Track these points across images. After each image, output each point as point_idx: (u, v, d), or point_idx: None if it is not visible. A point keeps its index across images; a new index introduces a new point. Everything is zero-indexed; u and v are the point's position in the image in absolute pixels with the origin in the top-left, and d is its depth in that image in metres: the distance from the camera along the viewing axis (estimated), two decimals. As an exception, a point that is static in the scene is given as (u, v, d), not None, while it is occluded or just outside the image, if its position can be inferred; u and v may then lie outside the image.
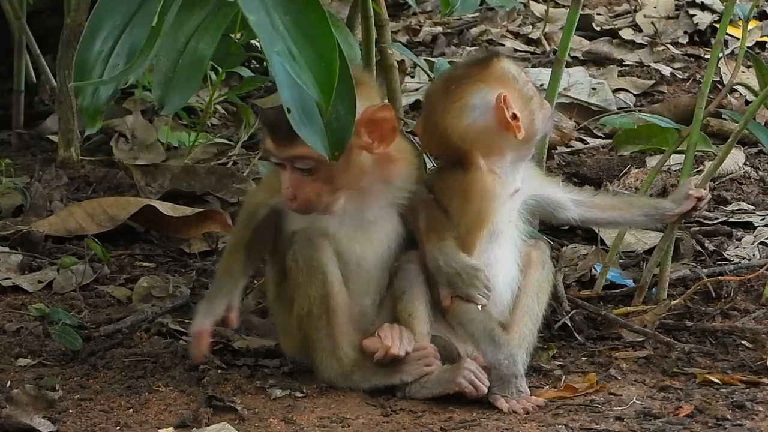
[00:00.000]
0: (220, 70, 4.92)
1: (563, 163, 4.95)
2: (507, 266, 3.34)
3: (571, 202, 3.49)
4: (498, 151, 3.31)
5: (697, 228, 4.28)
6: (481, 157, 3.30)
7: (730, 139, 3.71)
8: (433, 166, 3.87)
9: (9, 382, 3.29)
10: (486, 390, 3.19)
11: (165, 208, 4.36)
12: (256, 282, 3.89)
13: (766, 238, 4.17)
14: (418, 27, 6.88)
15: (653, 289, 3.77)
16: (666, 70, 6.02)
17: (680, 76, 5.98)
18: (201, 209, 4.42)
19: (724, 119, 5.09)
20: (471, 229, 3.28)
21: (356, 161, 3.26)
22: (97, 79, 3.12)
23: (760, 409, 3.12)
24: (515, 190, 3.35)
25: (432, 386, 3.23)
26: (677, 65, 6.14)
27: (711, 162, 3.70)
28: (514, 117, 3.27)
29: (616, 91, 5.72)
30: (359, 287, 3.34)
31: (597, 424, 3.05)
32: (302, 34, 2.94)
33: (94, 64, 3.15)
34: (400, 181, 3.33)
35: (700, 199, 3.51)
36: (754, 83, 3.75)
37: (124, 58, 3.12)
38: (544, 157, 3.85)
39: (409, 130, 4.16)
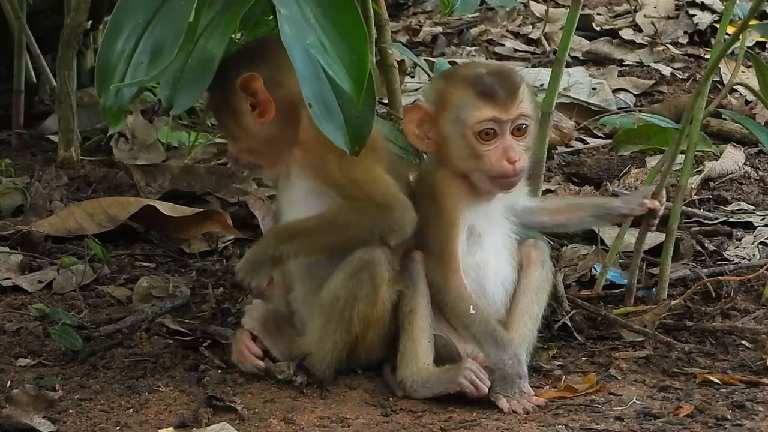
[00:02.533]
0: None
1: (563, 163, 4.95)
2: (496, 267, 3.34)
3: (521, 210, 3.48)
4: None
5: (697, 228, 4.28)
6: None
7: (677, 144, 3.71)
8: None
9: (9, 382, 3.28)
10: (487, 390, 3.19)
11: (165, 208, 4.35)
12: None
13: (766, 238, 4.17)
14: (418, 27, 6.88)
15: (653, 289, 3.77)
16: (666, 70, 6.02)
17: (680, 76, 5.98)
18: (201, 209, 4.42)
19: (724, 119, 5.09)
20: (445, 229, 3.28)
21: (249, 127, 3.32)
22: (133, 81, 3.12)
23: (760, 409, 3.12)
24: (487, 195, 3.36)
25: (433, 386, 3.23)
26: (677, 65, 6.14)
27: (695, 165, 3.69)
28: (425, 134, 3.30)
29: (616, 91, 5.73)
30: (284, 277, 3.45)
31: (597, 424, 3.05)
32: (334, 26, 2.96)
33: (117, 62, 3.15)
34: (309, 170, 3.29)
35: (653, 209, 3.53)
36: (754, 83, 3.75)
37: (147, 56, 3.12)
38: (544, 157, 3.85)
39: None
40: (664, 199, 3.58)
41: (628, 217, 3.56)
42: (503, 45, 6.55)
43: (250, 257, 3.31)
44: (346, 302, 3.23)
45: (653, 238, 3.81)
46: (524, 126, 3.27)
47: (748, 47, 4.06)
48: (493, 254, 3.34)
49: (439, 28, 6.84)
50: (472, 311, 3.24)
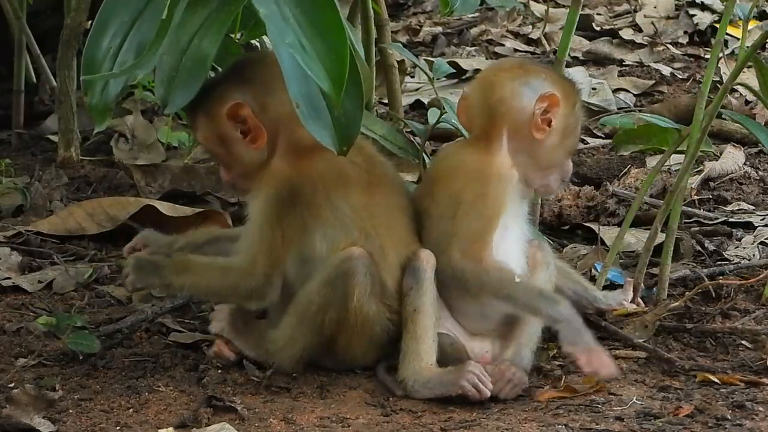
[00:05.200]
0: (220, 69, 4.91)
1: (563, 163, 4.95)
2: (517, 258, 3.35)
3: None
4: (522, 140, 3.30)
5: (697, 228, 4.28)
6: (506, 137, 3.31)
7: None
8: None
9: (10, 383, 3.28)
10: (489, 393, 3.18)
11: (165, 208, 4.35)
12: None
13: (766, 238, 4.17)
14: (418, 27, 6.88)
15: (653, 289, 3.77)
16: (666, 70, 6.02)
17: (680, 76, 5.98)
18: (201, 209, 4.42)
19: (724, 119, 5.09)
20: (487, 215, 3.25)
21: (242, 153, 3.29)
22: (107, 73, 3.12)
23: (760, 409, 3.12)
24: (525, 194, 3.37)
25: (434, 387, 3.22)
26: (677, 65, 6.14)
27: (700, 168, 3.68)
28: (548, 121, 3.29)
29: (616, 91, 5.73)
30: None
31: (597, 424, 3.05)
32: (313, 26, 2.94)
33: (103, 60, 3.15)
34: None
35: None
36: (754, 83, 3.75)
37: (132, 54, 3.12)
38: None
39: (408, 130, 4.15)
40: (641, 301, 3.66)
41: (599, 310, 3.61)
42: (503, 45, 6.54)
43: (143, 266, 3.34)
44: (320, 308, 3.24)
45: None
46: None
47: (748, 47, 4.05)
48: (515, 246, 3.34)
49: (439, 28, 6.83)
50: (517, 279, 3.24)
